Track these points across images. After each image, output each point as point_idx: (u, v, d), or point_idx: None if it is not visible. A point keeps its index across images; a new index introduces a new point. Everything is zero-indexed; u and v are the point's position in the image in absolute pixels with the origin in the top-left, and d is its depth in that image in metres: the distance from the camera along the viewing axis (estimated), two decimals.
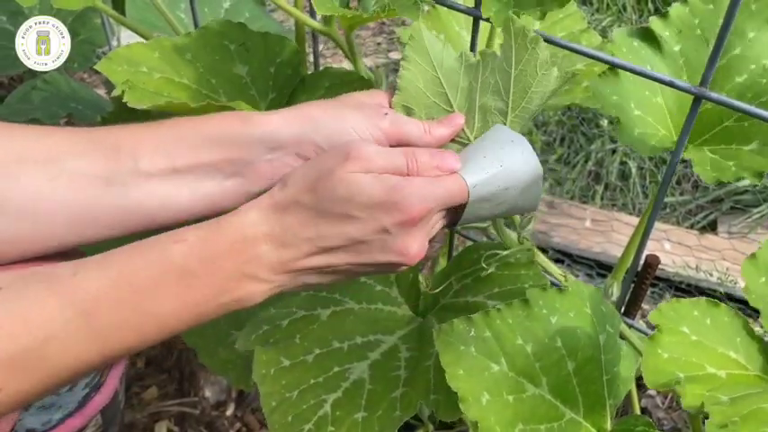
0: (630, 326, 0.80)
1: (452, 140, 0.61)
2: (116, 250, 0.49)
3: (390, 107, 0.61)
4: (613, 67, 0.64)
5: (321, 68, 0.83)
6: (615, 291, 0.76)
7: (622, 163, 1.73)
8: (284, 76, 0.80)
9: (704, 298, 0.60)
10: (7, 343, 0.44)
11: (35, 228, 0.52)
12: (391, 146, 0.58)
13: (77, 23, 1.27)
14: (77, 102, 1.21)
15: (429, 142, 0.58)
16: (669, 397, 1.25)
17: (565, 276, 0.70)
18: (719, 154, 0.71)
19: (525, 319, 0.60)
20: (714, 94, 0.60)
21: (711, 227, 1.61)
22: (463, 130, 0.61)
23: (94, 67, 0.73)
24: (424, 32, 0.59)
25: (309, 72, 0.82)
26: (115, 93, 0.64)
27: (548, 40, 0.61)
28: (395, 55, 2.18)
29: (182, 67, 0.75)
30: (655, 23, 0.74)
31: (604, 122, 1.80)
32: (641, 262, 0.77)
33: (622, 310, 0.81)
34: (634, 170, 1.70)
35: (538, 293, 0.61)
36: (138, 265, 0.49)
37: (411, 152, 0.54)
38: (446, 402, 0.69)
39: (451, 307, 0.77)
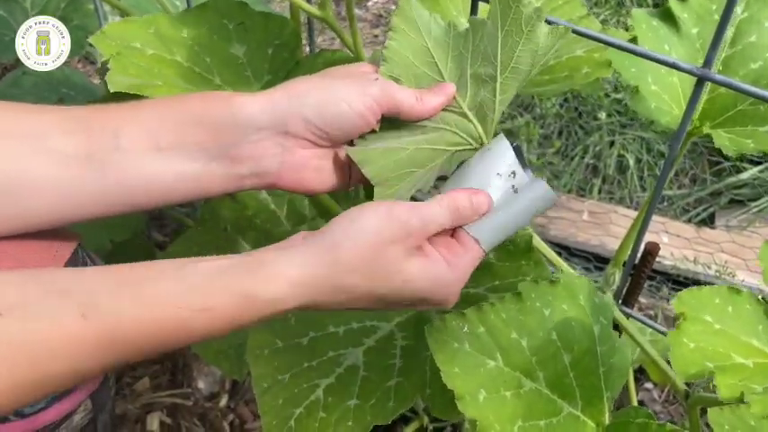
0: (629, 315, 0.79)
1: (444, 110, 0.59)
2: (126, 300, 0.46)
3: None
4: (616, 48, 0.62)
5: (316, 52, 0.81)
6: (617, 278, 0.75)
7: (620, 156, 1.72)
8: (281, 59, 0.79)
9: (725, 285, 0.59)
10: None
11: (16, 204, 0.51)
12: (382, 114, 0.57)
13: (70, 9, 1.25)
14: (69, 87, 1.19)
15: (421, 111, 0.57)
16: (666, 390, 1.24)
17: (560, 269, 0.69)
18: (735, 134, 0.71)
19: (519, 312, 0.59)
20: (718, 76, 0.59)
21: (710, 220, 1.60)
22: (455, 99, 0.59)
23: (88, 40, 0.72)
24: (412, 1, 0.58)
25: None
26: (102, 59, 0.62)
27: (550, 22, 0.60)
28: None
29: (176, 45, 0.74)
30: (674, 5, 0.75)
31: (602, 115, 1.79)
32: (640, 251, 0.75)
33: (620, 300, 0.80)
34: (632, 163, 1.69)
35: (530, 286, 0.60)
36: (151, 329, 0.47)
37: (453, 203, 0.55)
38: (441, 398, 0.68)
39: None
